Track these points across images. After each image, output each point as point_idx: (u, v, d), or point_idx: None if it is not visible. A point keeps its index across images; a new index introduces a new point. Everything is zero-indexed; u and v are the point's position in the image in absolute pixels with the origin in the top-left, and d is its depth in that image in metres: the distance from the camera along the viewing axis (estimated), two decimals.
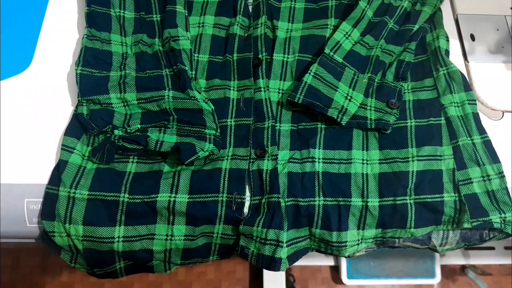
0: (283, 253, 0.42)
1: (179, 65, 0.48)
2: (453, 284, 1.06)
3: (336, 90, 0.47)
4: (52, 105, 0.49)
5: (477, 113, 0.48)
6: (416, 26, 0.51)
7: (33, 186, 0.44)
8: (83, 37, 0.49)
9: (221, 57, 0.51)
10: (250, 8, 0.55)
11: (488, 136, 0.47)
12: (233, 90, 0.49)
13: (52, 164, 0.45)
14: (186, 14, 0.52)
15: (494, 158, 0.46)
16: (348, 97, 0.47)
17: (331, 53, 0.49)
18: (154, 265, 0.44)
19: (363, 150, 0.47)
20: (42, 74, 0.50)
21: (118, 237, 0.42)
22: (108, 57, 0.48)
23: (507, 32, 0.55)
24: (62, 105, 0.48)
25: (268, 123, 0.47)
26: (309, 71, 0.48)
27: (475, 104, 0.48)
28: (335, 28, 0.53)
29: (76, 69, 0.47)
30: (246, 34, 0.52)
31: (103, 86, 0.46)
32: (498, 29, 0.55)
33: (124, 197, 0.43)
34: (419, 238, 0.45)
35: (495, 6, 0.57)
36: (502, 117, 0.50)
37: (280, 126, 0.48)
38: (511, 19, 0.56)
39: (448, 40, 0.52)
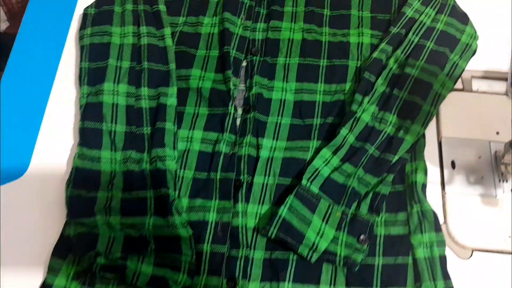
0: None
1: (163, 189, 0.51)
2: None
3: (309, 226, 0.49)
4: (44, 215, 0.53)
5: (445, 256, 0.50)
6: (396, 157, 0.53)
7: None
8: (75, 155, 0.52)
9: (205, 174, 0.54)
10: (238, 121, 0.57)
11: (451, 283, 0.48)
12: (213, 212, 0.52)
13: (39, 280, 0.49)
14: (175, 130, 0.55)
15: None
16: (320, 233, 0.49)
17: (308, 184, 0.51)
18: None
19: (330, 285, 0.49)
20: (36, 183, 0.54)
21: None
22: (97, 177, 0.52)
23: (488, 160, 0.56)
24: (52, 215, 0.52)
25: (242, 252, 0.50)
26: (285, 203, 0.50)
27: (444, 246, 0.50)
28: (316, 151, 0.55)
29: (66, 190, 0.50)
30: (231, 152, 0.55)
31: (90, 209, 0.50)
32: (480, 157, 0.56)
33: None
34: None
35: (481, 129, 0.58)
36: (470, 256, 0.52)
37: (253, 254, 0.51)
38: (495, 145, 0.57)
39: (426, 174, 0.53)
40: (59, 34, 0.64)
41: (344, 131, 0.54)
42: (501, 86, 0.61)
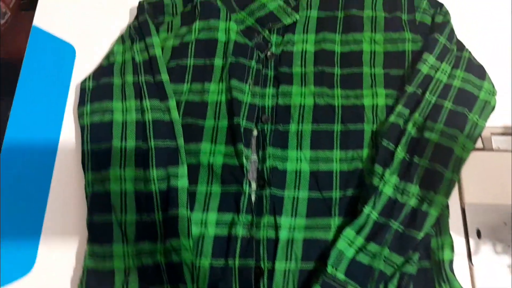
0: None
1: (181, 285, 0.48)
2: None
3: None
4: None
5: None
6: (421, 234, 0.51)
7: None
8: (85, 255, 0.50)
9: (223, 262, 0.52)
10: (253, 197, 0.55)
11: None
12: None
13: None
14: (188, 216, 0.52)
15: None
16: None
17: (333, 271, 0.49)
18: None
19: None
20: (43, 282, 0.51)
21: None
22: (110, 278, 0.49)
23: None
24: None
25: None
26: None
27: None
28: (338, 229, 0.53)
29: None
30: (248, 235, 0.53)
31: None
32: (505, 223, 0.55)
33: None
34: None
35: (504, 192, 0.56)
36: None
37: None
38: None
39: (453, 249, 0.52)
40: (55, 110, 0.60)
41: (367, 209, 0.52)
42: None
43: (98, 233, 0.51)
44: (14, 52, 1.25)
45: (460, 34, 0.63)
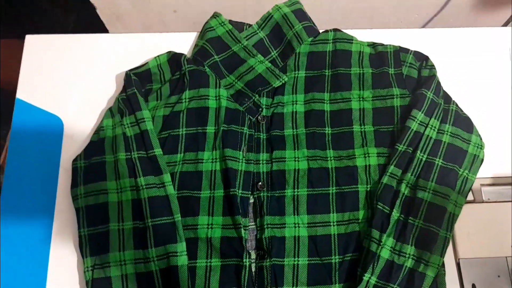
0: None
1: None
2: None
3: None
4: None
5: None
6: None
7: None
8: None
9: None
10: (253, 267, 0.57)
11: None
12: None
13: None
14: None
15: None
16: None
17: None
18: None
19: None
20: None
21: None
22: None
23: (508, 278, 0.58)
24: None
25: None
26: None
27: None
28: None
29: None
30: None
31: None
32: (499, 276, 0.59)
33: None
34: None
35: (497, 244, 0.60)
36: None
37: None
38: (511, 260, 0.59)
39: None
40: (47, 193, 0.61)
41: (366, 276, 0.55)
42: (508, 192, 0.63)
43: None
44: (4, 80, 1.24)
45: (445, 85, 0.66)
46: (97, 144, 0.61)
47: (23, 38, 0.70)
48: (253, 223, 0.60)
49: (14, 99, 0.66)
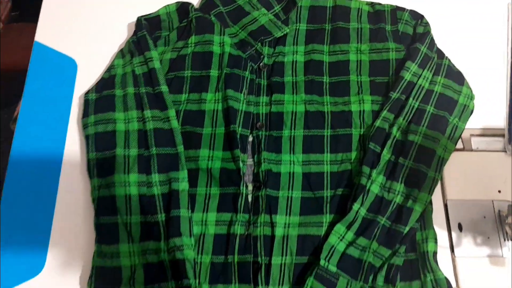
0: None
1: (184, 280, 0.56)
2: None
3: None
4: None
5: None
6: (407, 228, 0.59)
7: None
8: (94, 254, 0.57)
9: (223, 258, 0.59)
10: (250, 198, 0.63)
11: None
12: None
13: None
14: (190, 216, 0.60)
15: None
16: None
17: (326, 263, 0.57)
18: None
19: None
20: (54, 280, 0.59)
21: None
22: (118, 274, 0.56)
23: (493, 220, 0.63)
24: None
25: None
26: (306, 285, 0.56)
27: None
28: (330, 225, 0.61)
29: None
30: (246, 232, 0.60)
31: None
32: (484, 217, 0.63)
33: None
34: None
35: (483, 188, 0.65)
36: None
37: None
38: (498, 204, 0.64)
39: (436, 242, 0.60)
40: (60, 122, 0.68)
41: (356, 206, 0.60)
42: (499, 143, 0.68)
43: (105, 234, 0.58)
44: (4, 62, 1.32)
45: (440, 43, 0.72)
46: (107, 80, 0.68)
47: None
48: (251, 160, 0.65)
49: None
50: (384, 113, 0.66)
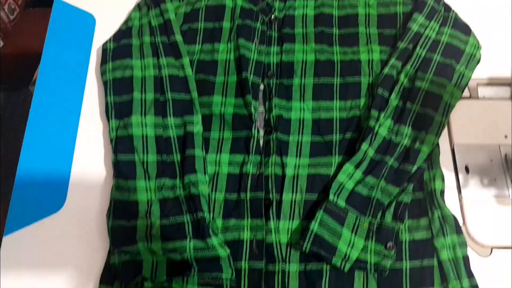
0: None
1: (199, 212, 0.58)
2: None
3: (340, 238, 0.57)
4: (86, 246, 0.60)
5: (467, 256, 0.58)
6: (415, 168, 0.61)
7: None
8: (112, 188, 0.60)
9: (236, 195, 0.62)
10: (261, 142, 0.65)
11: (476, 281, 0.57)
12: (247, 230, 0.60)
13: None
14: (204, 156, 0.63)
15: None
16: (351, 244, 0.57)
17: (335, 198, 0.59)
18: None
19: None
20: (75, 215, 0.62)
21: None
22: (135, 207, 0.59)
23: (500, 163, 0.65)
24: (95, 245, 0.60)
25: (279, 267, 0.58)
26: (315, 218, 0.58)
27: (466, 246, 0.59)
28: (339, 166, 0.63)
29: (108, 222, 0.58)
30: (258, 172, 0.63)
31: (132, 237, 0.57)
32: (491, 160, 0.65)
33: None
34: None
35: (490, 134, 0.67)
36: (490, 254, 0.60)
37: (289, 268, 0.59)
38: (504, 148, 0.66)
39: (443, 181, 0.62)
40: (79, 69, 0.71)
41: (364, 146, 0.62)
42: (505, 92, 0.70)
43: (123, 170, 0.61)
44: (21, 48, 1.36)
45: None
46: (125, 31, 0.71)
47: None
48: (262, 107, 0.68)
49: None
50: (392, 61, 0.68)
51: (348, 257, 0.57)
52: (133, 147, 0.62)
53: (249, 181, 0.62)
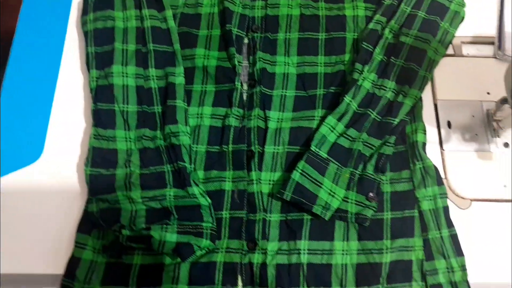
0: None
1: (179, 162, 0.58)
2: None
3: (321, 187, 0.57)
4: (64, 195, 0.59)
5: (447, 207, 0.59)
6: (397, 120, 0.61)
7: (49, 276, 0.55)
8: (90, 136, 0.59)
9: (218, 148, 0.61)
10: (245, 96, 0.65)
11: (455, 230, 0.57)
12: (228, 181, 0.60)
13: (65, 254, 0.56)
14: (186, 107, 0.62)
15: (458, 251, 0.57)
16: (331, 193, 0.57)
17: (317, 149, 0.59)
18: None
19: (343, 241, 0.57)
20: (53, 165, 0.61)
21: None
22: (114, 156, 0.58)
23: (481, 118, 0.65)
24: (74, 195, 0.59)
25: (260, 216, 0.58)
26: (296, 168, 0.58)
27: (446, 197, 0.59)
28: (322, 119, 0.63)
29: (86, 170, 0.57)
30: (240, 125, 0.62)
31: (110, 185, 0.56)
32: (473, 116, 0.65)
33: None
34: None
35: (473, 90, 0.67)
36: (469, 206, 0.61)
37: (270, 217, 0.58)
38: (486, 104, 0.66)
39: (425, 133, 0.62)
40: (59, 21, 0.70)
41: (347, 98, 0.62)
42: (489, 50, 0.70)
43: (102, 119, 0.60)
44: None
45: None
46: None
47: None
48: (246, 62, 0.67)
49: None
50: (377, 16, 0.68)
51: (329, 205, 0.57)
52: (113, 97, 0.61)
53: (231, 134, 0.62)
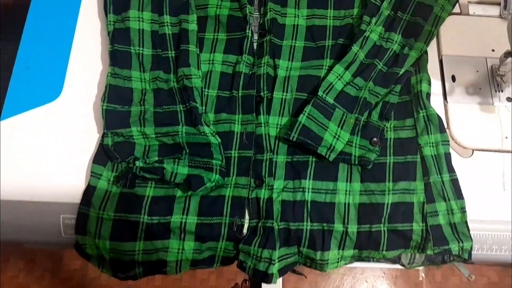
0: (274, 268, 0.55)
1: (191, 102, 0.60)
2: (436, 269, 1.24)
3: (326, 130, 0.59)
4: (82, 131, 0.62)
5: (449, 153, 0.60)
6: (402, 70, 0.63)
7: (67, 204, 0.58)
8: (107, 75, 0.61)
9: (228, 93, 0.64)
10: (255, 45, 0.67)
11: (456, 175, 0.59)
12: (237, 124, 0.62)
13: (82, 185, 0.59)
14: (198, 52, 0.64)
15: (459, 195, 0.59)
16: (336, 136, 0.59)
17: (324, 95, 0.61)
18: (167, 270, 0.58)
19: (347, 182, 0.60)
20: (72, 103, 0.63)
21: (139, 250, 0.56)
22: (129, 94, 0.61)
23: (485, 74, 0.67)
24: (90, 131, 0.62)
25: (267, 156, 0.60)
26: (304, 111, 0.60)
27: (448, 144, 0.61)
28: (330, 68, 0.64)
29: (102, 105, 0.59)
30: (250, 72, 0.64)
31: (125, 120, 0.59)
32: (477, 71, 0.67)
33: (143, 218, 0.56)
34: (390, 258, 0.59)
35: (478, 47, 0.68)
36: (471, 155, 0.62)
37: (276, 158, 0.61)
38: (491, 60, 0.67)
39: (430, 84, 0.64)
40: None
41: (355, 47, 0.64)
42: (495, 10, 0.71)
43: (119, 59, 0.62)
44: None
45: None
46: None
47: None
48: (257, 13, 0.69)
49: None
50: None
51: (333, 147, 0.59)
52: (129, 40, 0.63)
53: (241, 80, 0.64)
